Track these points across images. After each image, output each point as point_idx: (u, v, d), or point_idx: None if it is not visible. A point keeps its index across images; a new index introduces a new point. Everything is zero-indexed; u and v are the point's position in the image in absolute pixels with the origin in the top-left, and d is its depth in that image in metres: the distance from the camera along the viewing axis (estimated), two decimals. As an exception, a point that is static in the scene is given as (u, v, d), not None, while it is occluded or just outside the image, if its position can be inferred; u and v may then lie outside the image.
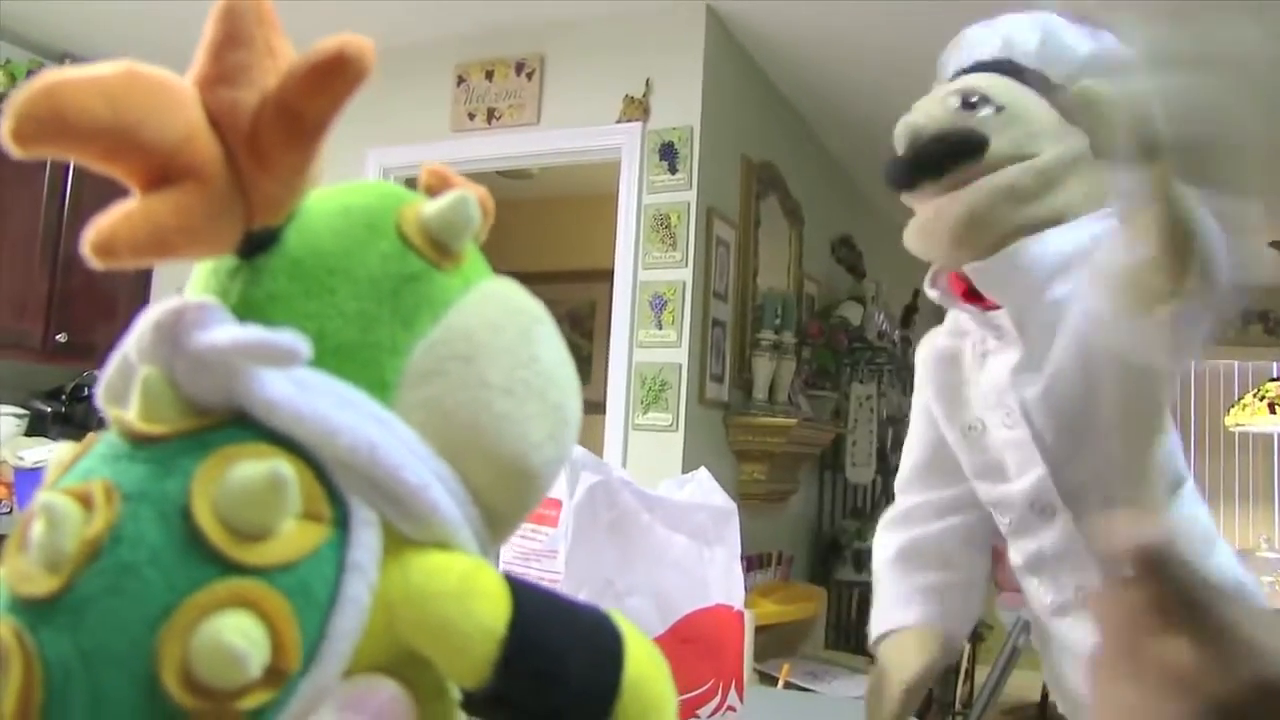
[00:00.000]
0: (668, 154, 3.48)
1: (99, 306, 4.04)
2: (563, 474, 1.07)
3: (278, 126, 0.48)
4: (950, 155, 1.11)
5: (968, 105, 1.13)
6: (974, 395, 1.21)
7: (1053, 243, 1.09)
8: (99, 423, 0.54)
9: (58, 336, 3.95)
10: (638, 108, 3.54)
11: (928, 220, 1.14)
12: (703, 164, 3.45)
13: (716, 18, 3.55)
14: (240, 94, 0.48)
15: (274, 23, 0.50)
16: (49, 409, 4.08)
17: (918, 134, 1.14)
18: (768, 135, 4.09)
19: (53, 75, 0.44)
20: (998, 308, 1.15)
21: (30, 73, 3.91)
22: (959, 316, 1.24)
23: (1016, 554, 1.23)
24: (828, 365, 4.38)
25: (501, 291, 0.60)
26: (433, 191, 0.60)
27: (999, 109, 1.12)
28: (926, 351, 1.31)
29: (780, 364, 3.78)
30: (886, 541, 1.35)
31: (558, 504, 1.07)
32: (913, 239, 1.17)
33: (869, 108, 4.34)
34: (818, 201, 4.66)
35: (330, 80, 0.47)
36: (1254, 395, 5.39)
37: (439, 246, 0.57)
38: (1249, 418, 5.32)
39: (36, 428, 4.02)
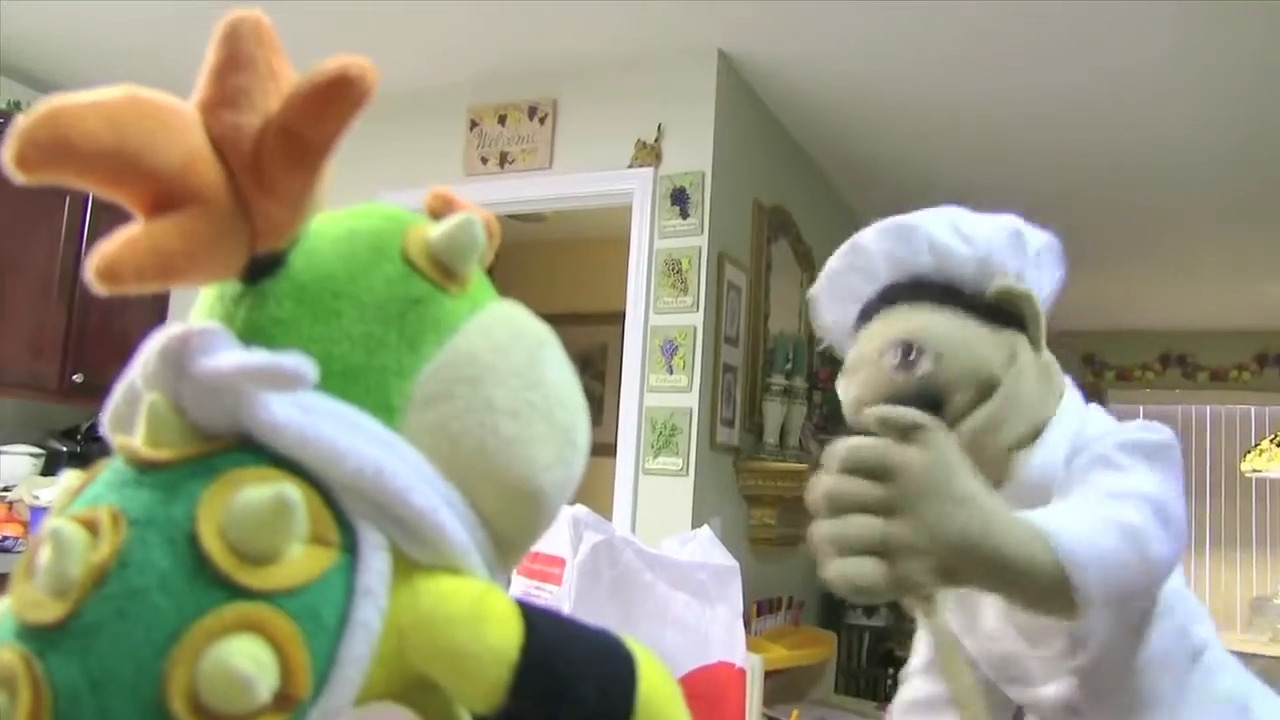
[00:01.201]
0: (679, 198, 3.49)
1: (115, 346, 4.06)
2: (566, 532, 1.08)
3: (280, 149, 0.48)
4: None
5: (906, 361, 1.10)
6: (986, 608, 1.19)
7: (1041, 455, 1.08)
8: (114, 460, 0.53)
9: (74, 376, 3.97)
10: (650, 152, 3.56)
11: None
12: (714, 208, 3.46)
13: (728, 62, 3.58)
14: (242, 118, 0.48)
15: (275, 45, 0.50)
16: (65, 448, 4.09)
17: (878, 417, 1.13)
18: (779, 179, 4.11)
19: (56, 100, 0.44)
20: None
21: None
22: None
23: None
24: (839, 409, 4.36)
25: (508, 314, 0.60)
26: (438, 215, 0.60)
27: (937, 355, 1.09)
28: None
29: (791, 408, 3.77)
30: None
31: (561, 562, 1.07)
32: None
33: (880, 151, 4.37)
34: (829, 245, 4.62)
35: (333, 102, 0.47)
36: (1270, 440, 5.35)
37: (444, 269, 0.56)
38: (1265, 463, 5.28)
39: (52, 467, 4.03)
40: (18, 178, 0.43)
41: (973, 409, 1.08)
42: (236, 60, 0.48)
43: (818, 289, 1.27)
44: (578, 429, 0.60)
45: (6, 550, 3.56)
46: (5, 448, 3.97)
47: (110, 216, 4.19)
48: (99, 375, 4.02)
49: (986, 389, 1.09)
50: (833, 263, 1.25)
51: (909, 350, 1.10)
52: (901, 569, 0.71)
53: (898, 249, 1.17)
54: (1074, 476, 1.03)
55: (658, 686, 0.55)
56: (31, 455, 3.99)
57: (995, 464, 1.07)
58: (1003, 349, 1.11)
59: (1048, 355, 1.15)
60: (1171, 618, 1.11)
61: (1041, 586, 0.82)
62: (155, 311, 4.15)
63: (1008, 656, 1.18)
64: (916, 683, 1.35)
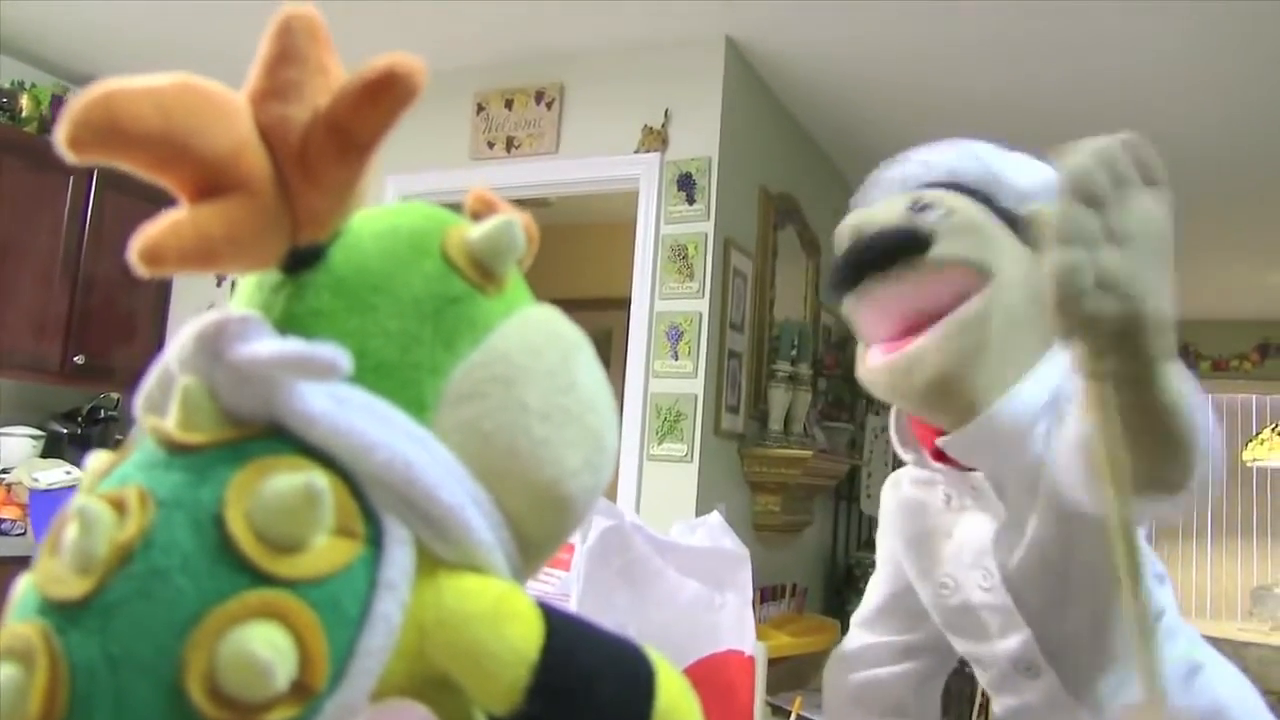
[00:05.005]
0: (686, 184, 3.48)
1: (117, 329, 4.06)
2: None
3: (328, 143, 0.48)
4: (893, 250, 1.03)
5: (917, 209, 1.05)
6: (947, 551, 1.16)
7: (1025, 396, 1.02)
8: (116, 444, 0.53)
9: (75, 358, 3.96)
10: (656, 138, 3.56)
11: (897, 376, 1.05)
12: (721, 195, 3.46)
13: (735, 49, 3.56)
14: (291, 110, 0.48)
15: (327, 42, 0.50)
16: (65, 430, 4.09)
17: (860, 232, 1.07)
18: (786, 166, 4.10)
19: (109, 84, 0.44)
20: (972, 468, 1.09)
21: (56, 97, 3.94)
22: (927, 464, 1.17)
23: (998, 705, 1.20)
24: (843, 397, 4.37)
25: (543, 317, 0.60)
26: (478, 216, 0.60)
27: (948, 212, 1.04)
28: (892, 500, 1.25)
29: (796, 395, 3.77)
30: (840, 681, 1.32)
31: (570, 548, 1.07)
32: (880, 389, 1.09)
33: (887, 138, 4.34)
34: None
35: (381, 98, 0.47)
36: (1272, 430, 5.35)
37: (483, 270, 0.56)
38: (1267, 453, 5.29)
39: (52, 449, 4.03)
40: (70, 157, 0.44)
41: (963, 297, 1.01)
42: (288, 54, 0.49)
43: (882, 176, 1.18)
44: (608, 434, 0.60)
45: (4, 533, 3.56)
46: (5, 429, 3.96)
47: (114, 199, 4.22)
48: (101, 357, 4.03)
49: (983, 275, 1.01)
50: (904, 163, 1.18)
51: (921, 201, 1.05)
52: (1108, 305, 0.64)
53: (959, 163, 1.13)
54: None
55: (676, 697, 0.55)
56: (31, 437, 3.99)
57: (972, 398, 1.02)
58: (1018, 256, 1.03)
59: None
60: None
61: (1171, 431, 0.74)
62: (157, 295, 4.15)
63: (965, 606, 1.15)
64: (856, 633, 1.33)
